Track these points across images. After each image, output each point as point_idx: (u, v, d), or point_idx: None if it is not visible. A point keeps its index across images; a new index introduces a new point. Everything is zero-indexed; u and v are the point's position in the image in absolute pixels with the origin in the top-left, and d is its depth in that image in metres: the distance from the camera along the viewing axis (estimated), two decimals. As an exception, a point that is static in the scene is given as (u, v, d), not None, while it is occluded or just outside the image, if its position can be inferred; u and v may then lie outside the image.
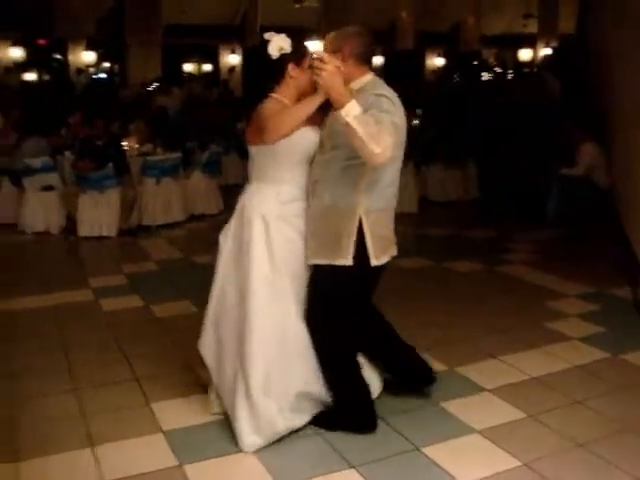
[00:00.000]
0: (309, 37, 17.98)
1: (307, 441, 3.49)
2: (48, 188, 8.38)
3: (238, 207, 3.56)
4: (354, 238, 3.28)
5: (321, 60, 3.01)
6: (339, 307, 3.44)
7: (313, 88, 3.30)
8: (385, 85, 3.32)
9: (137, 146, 9.09)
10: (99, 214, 7.88)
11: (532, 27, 22.66)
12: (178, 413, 3.77)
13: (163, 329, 5.04)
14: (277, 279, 3.42)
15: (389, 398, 3.87)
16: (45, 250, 7.78)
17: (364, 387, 3.63)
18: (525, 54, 23.00)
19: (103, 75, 19.50)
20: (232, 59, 20.45)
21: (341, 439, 3.48)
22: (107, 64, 20.06)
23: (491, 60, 24.46)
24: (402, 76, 19.73)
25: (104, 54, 19.29)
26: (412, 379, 3.94)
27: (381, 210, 3.36)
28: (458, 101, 11.41)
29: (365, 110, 3.01)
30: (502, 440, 3.46)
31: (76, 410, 3.83)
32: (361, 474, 3.20)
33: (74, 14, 16.27)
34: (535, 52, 22.70)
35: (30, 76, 17.52)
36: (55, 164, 8.57)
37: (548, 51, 20.97)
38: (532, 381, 4.15)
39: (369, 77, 3.33)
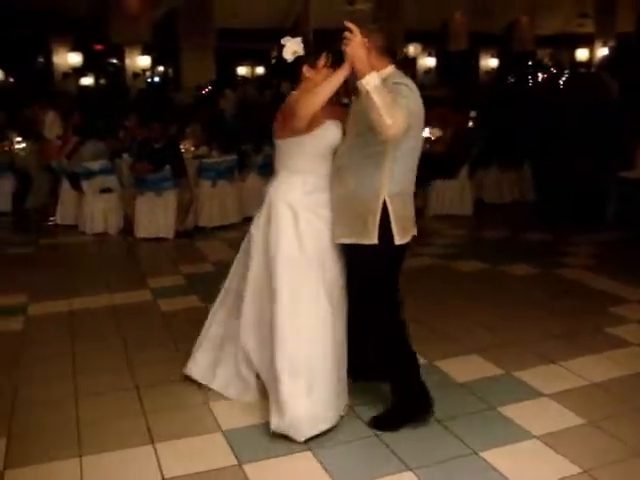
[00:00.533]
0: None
1: (365, 443, 3.51)
2: (107, 190, 8.57)
3: (266, 199, 3.73)
4: (379, 219, 3.46)
5: (351, 31, 3.21)
6: (372, 286, 3.60)
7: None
8: (404, 76, 3.48)
9: (193, 149, 9.23)
10: (156, 216, 8.01)
11: (588, 27, 22.25)
12: (236, 413, 3.82)
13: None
14: (305, 262, 3.59)
15: (446, 401, 3.85)
16: (104, 251, 7.97)
17: (417, 367, 3.72)
18: (582, 54, 22.59)
19: (156, 79, 19.83)
20: (284, 62, 20.57)
21: (398, 441, 3.49)
22: (161, 68, 20.39)
23: (546, 60, 24.12)
24: (455, 77, 19.64)
25: (158, 58, 19.61)
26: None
27: (402, 194, 3.53)
28: (513, 102, 11.30)
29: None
30: (561, 446, 3.42)
31: (137, 408, 3.91)
32: (418, 477, 3.20)
33: (129, 20, 16.58)
34: (592, 52, 22.28)
35: (87, 81, 17.89)
36: (113, 167, 8.75)
37: (605, 51, 20.55)
38: (592, 387, 4.09)
39: (390, 69, 3.47)
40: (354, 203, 3.52)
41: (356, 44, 3.20)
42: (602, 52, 21.14)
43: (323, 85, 3.44)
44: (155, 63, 19.53)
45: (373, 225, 3.47)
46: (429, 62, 21.92)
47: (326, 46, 3.65)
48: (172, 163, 7.95)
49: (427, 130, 9.27)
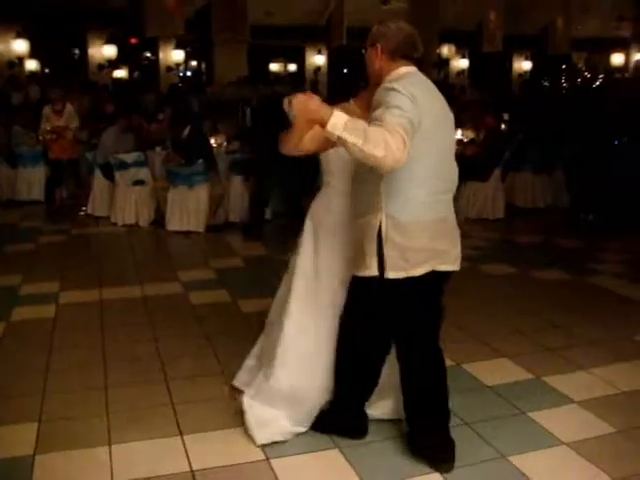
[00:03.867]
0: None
1: (392, 443, 3.50)
2: (139, 182, 8.65)
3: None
4: (376, 245, 3.06)
5: (289, 103, 2.90)
6: (363, 319, 3.30)
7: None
8: (415, 78, 3.06)
9: (225, 144, 9.27)
10: (188, 209, 8.07)
11: (626, 30, 21.91)
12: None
13: (249, 324, 5.10)
14: (317, 282, 3.52)
15: (474, 404, 3.86)
16: (135, 242, 8.03)
17: (358, 392, 3.52)
18: (617, 59, 22.26)
19: (188, 73, 19.94)
20: (318, 60, 20.58)
21: (427, 443, 3.47)
22: (194, 63, 20.49)
23: (580, 64, 23.83)
24: (488, 79, 19.50)
25: (192, 53, 19.72)
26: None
27: (408, 217, 3.04)
28: (547, 106, 11.21)
29: (378, 105, 2.85)
30: (591, 454, 3.38)
31: (166, 400, 3.93)
32: (446, 479, 3.19)
33: (164, 14, 16.67)
34: (628, 56, 21.97)
35: (120, 73, 18.03)
36: (146, 159, 8.83)
37: (640, 56, 20.28)
38: (622, 395, 4.04)
39: (400, 71, 3.09)
40: (356, 229, 3.22)
41: (297, 102, 2.84)
42: (638, 57, 20.84)
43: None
44: (188, 58, 19.64)
45: (369, 254, 3.08)
46: (462, 64, 21.77)
47: None
48: (204, 157, 7.99)
49: (459, 132, 9.24)
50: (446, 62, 21.11)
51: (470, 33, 19.88)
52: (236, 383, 3.97)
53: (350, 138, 2.66)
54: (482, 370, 4.32)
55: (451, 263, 3.24)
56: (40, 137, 9.95)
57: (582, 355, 4.58)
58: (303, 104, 2.83)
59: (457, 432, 3.57)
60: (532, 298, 5.87)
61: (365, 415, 3.56)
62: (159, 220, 8.41)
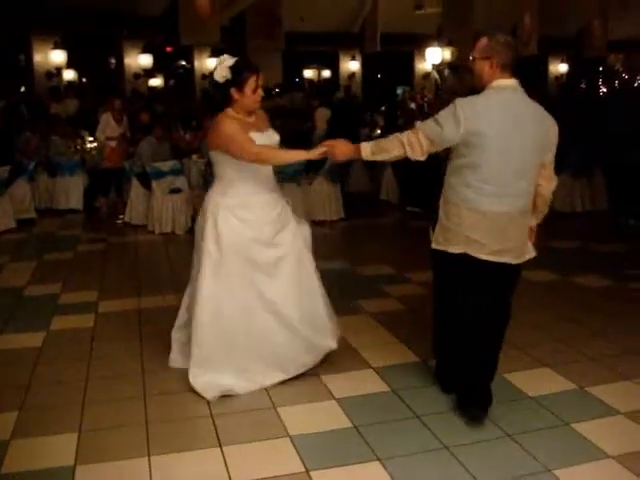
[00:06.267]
0: (430, 44, 17.93)
1: (433, 455, 3.45)
2: (176, 191, 8.70)
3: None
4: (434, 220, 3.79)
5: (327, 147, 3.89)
6: (439, 286, 3.94)
7: (255, 107, 4.12)
8: (496, 93, 3.58)
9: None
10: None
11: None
12: (304, 419, 3.82)
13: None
14: (223, 259, 4.02)
15: (516, 415, 3.79)
16: (172, 251, 8.05)
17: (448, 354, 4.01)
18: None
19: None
20: (352, 65, 20.59)
21: (469, 455, 3.42)
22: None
23: (618, 66, 23.48)
24: (524, 83, 19.28)
25: (227, 60, 19.80)
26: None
27: (457, 204, 3.64)
28: (585, 109, 11.04)
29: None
30: (639, 468, 3.28)
31: (205, 411, 3.92)
32: (489, 493, 3.14)
33: (199, 22, 16.80)
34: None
35: (156, 82, 18.20)
36: (182, 167, 8.87)
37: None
38: (670, 407, 3.93)
39: (500, 83, 3.60)
40: None
41: (332, 152, 3.85)
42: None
43: (282, 155, 4.23)
44: (223, 65, 19.72)
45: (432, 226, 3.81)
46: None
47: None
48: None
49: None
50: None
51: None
52: (174, 365, 4.45)
53: (379, 157, 3.75)
54: (524, 380, 4.24)
55: (490, 254, 3.64)
56: (96, 144, 10.14)
57: (627, 364, 4.46)
58: (337, 152, 3.84)
59: (499, 444, 3.53)
60: (573, 305, 5.75)
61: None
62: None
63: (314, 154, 3.95)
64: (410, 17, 18.00)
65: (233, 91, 4.02)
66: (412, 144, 3.59)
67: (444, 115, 3.55)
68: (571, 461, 3.36)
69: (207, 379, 4.07)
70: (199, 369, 4.10)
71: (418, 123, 3.68)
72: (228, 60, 4.01)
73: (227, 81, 4.00)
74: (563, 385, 4.19)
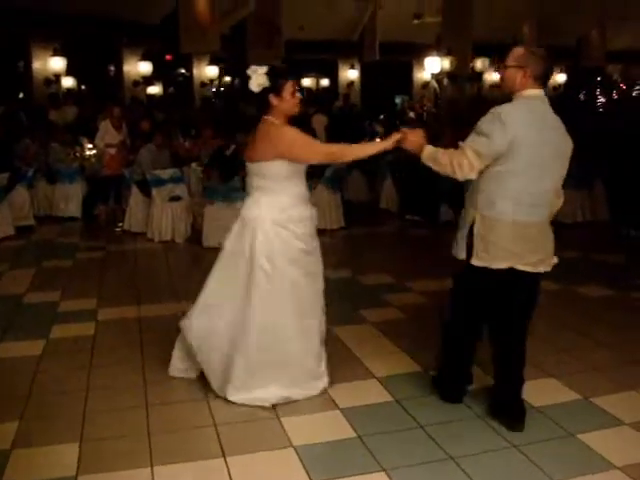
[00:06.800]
0: (429, 53, 17.97)
1: (438, 465, 3.43)
2: (175, 199, 8.67)
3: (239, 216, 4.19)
4: (466, 235, 3.71)
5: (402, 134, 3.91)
6: (461, 299, 3.90)
7: (294, 110, 4.02)
8: (526, 103, 3.62)
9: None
10: (224, 226, 8.03)
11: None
12: (308, 429, 3.80)
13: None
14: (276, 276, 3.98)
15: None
16: (171, 259, 8.02)
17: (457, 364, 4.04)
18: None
19: (222, 89, 20.07)
20: (351, 74, 20.64)
21: (475, 466, 3.39)
22: (228, 78, 20.62)
23: (616, 76, 23.54)
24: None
25: (226, 69, 19.85)
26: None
27: (498, 216, 3.60)
28: (584, 119, 11.04)
29: (479, 123, 3.60)
30: (646, 479, 3.27)
31: (209, 420, 3.89)
32: (496, 504, 3.11)
33: (199, 31, 16.83)
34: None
35: (155, 89, 18.21)
36: (182, 175, 8.85)
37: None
38: (675, 418, 3.91)
39: (530, 92, 3.64)
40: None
41: (407, 141, 3.84)
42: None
43: (357, 150, 4.24)
44: (223, 73, 19.77)
45: (462, 240, 3.73)
46: (496, 77, 21.63)
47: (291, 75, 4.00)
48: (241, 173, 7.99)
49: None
50: (479, 76, 20.99)
51: (504, 46, 19.77)
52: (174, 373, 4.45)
53: (431, 164, 3.73)
54: (528, 391, 4.16)
55: (530, 265, 3.70)
56: (96, 151, 10.08)
57: (631, 375, 4.45)
58: (412, 142, 3.84)
59: (504, 455, 3.51)
60: (576, 315, 5.74)
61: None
62: (195, 236, 8.41)
63: (389, 143, 3.94)
64: (409, 26, 18.07)
65: (271, 97, 3.95)
66: (461, 165, 3.56)
67: (487, 125, 3.54)
68: (576, 472, 3.34)
69: (255, 395, 4.04)
70: (245, 391, 4.06)
71: (460, 143, 3.59)
72: (260, 68, 3.94)
73: (264, 89, 3.94)
74: (568, 395, 4.17)
